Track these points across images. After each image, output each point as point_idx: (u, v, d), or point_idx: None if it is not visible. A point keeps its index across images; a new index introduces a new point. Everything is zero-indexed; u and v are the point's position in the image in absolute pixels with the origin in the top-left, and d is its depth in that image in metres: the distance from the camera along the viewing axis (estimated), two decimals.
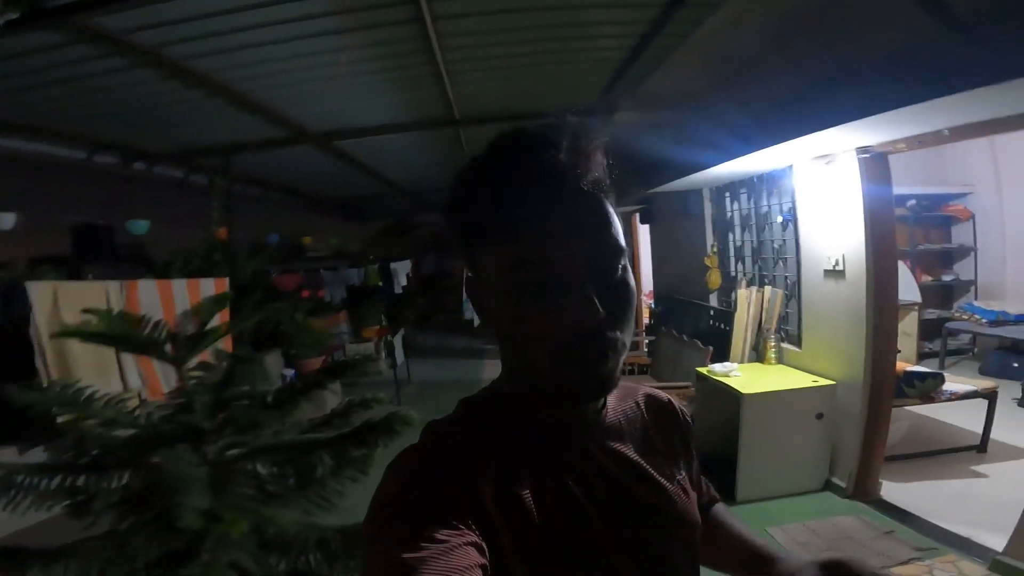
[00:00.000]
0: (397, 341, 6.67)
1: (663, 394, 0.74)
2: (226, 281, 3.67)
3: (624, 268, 0.53)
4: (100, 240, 5.48)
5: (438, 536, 0.45)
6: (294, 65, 3.19)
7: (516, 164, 0.51)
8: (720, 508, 0.83)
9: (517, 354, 0.55)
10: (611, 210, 0.53)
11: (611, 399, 0.64)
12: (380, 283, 6.44)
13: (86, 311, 1.42)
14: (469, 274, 0.58)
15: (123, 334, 1.30)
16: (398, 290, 6.62)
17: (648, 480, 0.61)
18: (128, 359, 3.02)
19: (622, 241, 0.53)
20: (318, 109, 4.06)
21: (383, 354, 6.81)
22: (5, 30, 2.24)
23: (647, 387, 0.74)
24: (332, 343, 6.31)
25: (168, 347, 1.39)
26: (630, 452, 0.61)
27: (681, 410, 0.75)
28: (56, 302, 2.77)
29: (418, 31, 2.88)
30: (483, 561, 0.46)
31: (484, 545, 0.47)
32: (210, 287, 3.53)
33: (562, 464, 0.56)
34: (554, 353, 0.50)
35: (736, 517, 0.82)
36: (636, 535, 0.57)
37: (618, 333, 0.52)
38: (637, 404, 0.68)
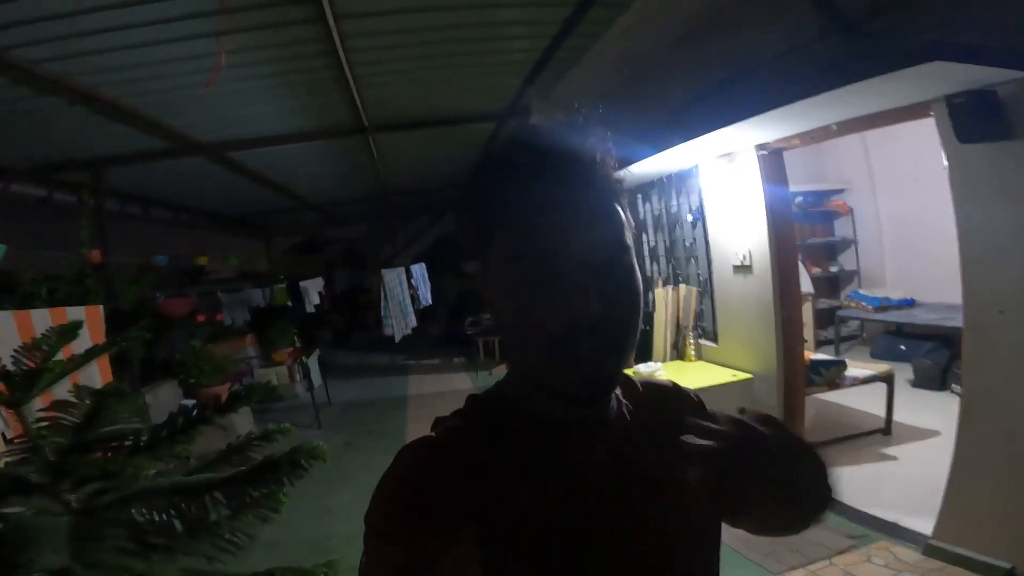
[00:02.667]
0: (312, 362, 6.26)
1: (665, 380, 0.72)
2: (99, 309, 3.22)
3: (630, 266, 0.52)
4: None
5: (439, 532, 0.46)
6: (173, 70, 2.87)
7: (524, 160, 0.52)
8: None
9: (518, 350, 0.55)
10: (617, 207, 0.53)
11: (623, 395, 0.64)
12: (289, 303, 6.01)
13: None
14: (480, 268, 0.57)
15: None
16: (310, 309, 6.21)
17: (656, 482, 0.58)
18: None
19: (627, 238, 0.53)
20: (208, 118, 3.70)
21: (298, 377, 6.36)
22: None
23: (665, 381, 0.72)
24: (237, 369, 5.80)
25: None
26: (639, 452, 0.59)
27: (689, 392, 0.72)
28: None
29: (320, 32, 2.68)
30: (483, 558, 0.47)
31: (485, 542, 0.48)
32: (79, 316, 3.07)
33: (566, 463, 0.56)
34: (551, 347, 0.50)
35: None
36: (641, 538, 0.56)
37: (617, 328, 0.51)
38: (651, 399, 0.66)
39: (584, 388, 0.51)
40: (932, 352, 4.69)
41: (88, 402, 1.40)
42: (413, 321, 6.68)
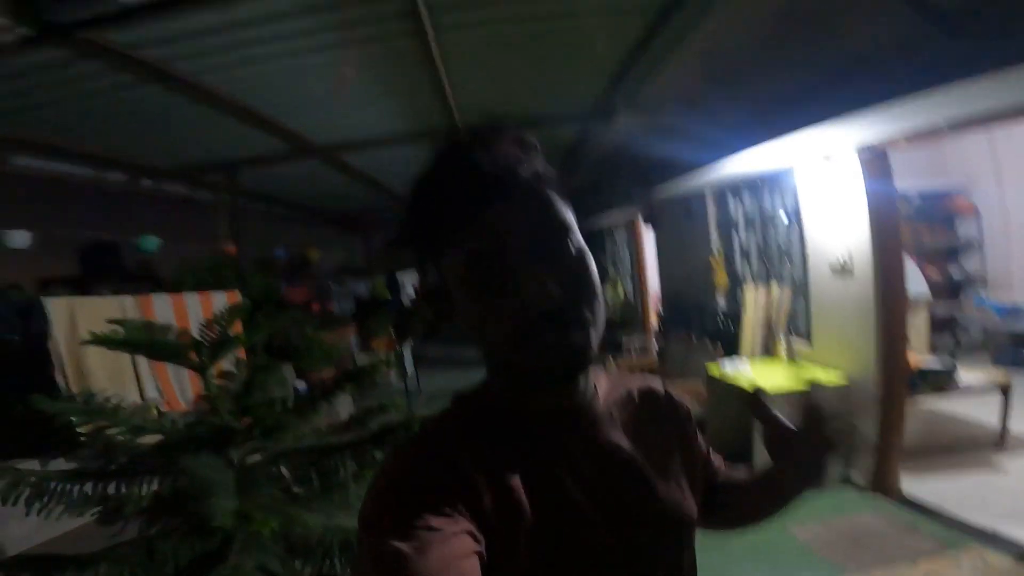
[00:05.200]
0: (406, 352, 6.68)
1: (660, 385, 0.73)
2: (237, 294, 3.71)
3: (577, 245, 0.54)
4: (109, 258, 5.53)
5: (433, 525, 0.46)
6: (299, 80, 3.24)
7: (448, 172, 0.54)
8: (732, 470, 0.79)
9: (488, 346, 0.56)
10: (550, 193, 0.54)
11: (603, 389, 0.64)
12: (388, 295, 6.46)
13: (112, 322, 1.45)
14: (436, 280, 0.58)
15: (150, 341, 1.33)
16: (406, 302, 6.64)
17: (637, 473, 0.60)
18: (145, 371, 3.06)
19: (566, 219, 0.54)
20: (322, 123, 4.11)
21: (392, 366, 6.81)
22: (16, 47, 2.29)
23: (645, 378, 0.73)
24: (342, 355, 6.32)
25: (191, 354, 1.42)
26: (621, 443, 0.61)
27: (680, 401, 0.73)
28: (73, 318, 2.81)
29: (420, 43, 2.93)
30: (478, 549, 0.47)
31: (478, 534, 0.48)
32: (222, 301, 3.57)
33: (552, 456, 0.56)
34: (519, 338, 0.51)
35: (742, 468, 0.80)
36: (625, 528, 0.57)
37: (580, 309, 0.52)
38: (631, 395, 0.67)
39: (557, 369, 0.53)
40: None
41: (245, 373, 1.70)
42: None
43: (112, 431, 1.46)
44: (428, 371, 7.62)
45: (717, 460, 0.79)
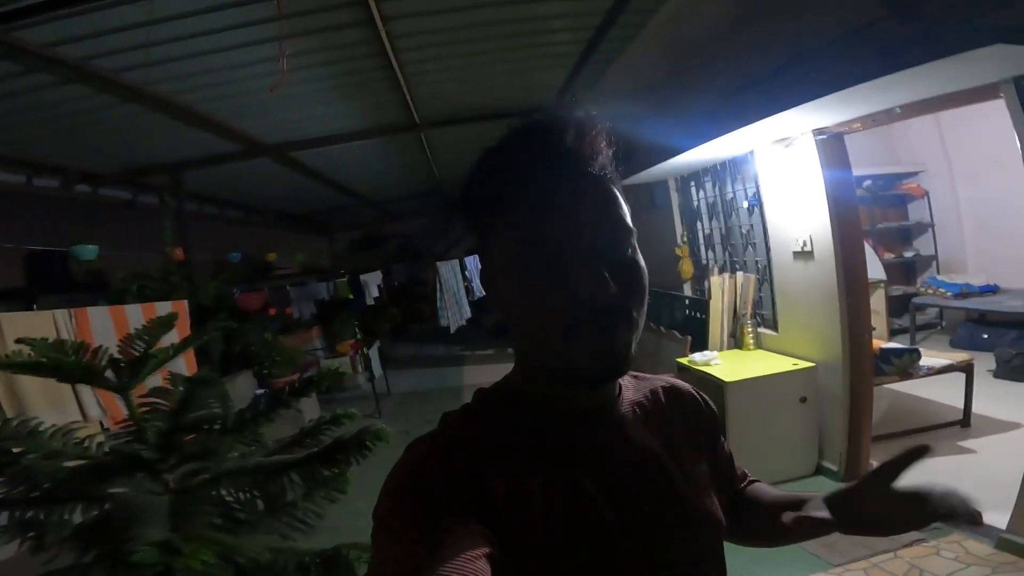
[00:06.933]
0: (373, 354, 6.52)
1: (685, 384, 0.72)
2: (185, 304, 3.51)
3: (634, 248, 0.54)
4: (55, 268, 5.19)
5: (448, 525, 0.46)
6: (239, 75, 3.06)
7: (527, 150, 0.53)
8: (759, 485, 0.78)
9: (531, 338, 0.55)
10: (618, 192, 0.55)
11: (627, 390, 0.64)
12: (351, 296, 6.28)
13: (19, 341, 1.30)
14: (484, 263, 0.58)
15: (55, 363, 1.18)
16: (370, 302, 6.47)
17: (662, 474, 0.60)
18: (85, 388, 2.85)
19: (630, 221, 0.54)
20: (270, 120, 3.92)
21: (360, 368, 6.65)
22: None
23: (668, 378, 0.72)
24: (306, 360, 6.12)
25: (112, 374, 1.28)
26: (645, 444, 0.60)
27: (704, 400, 0.72)
28: (2, 334, 2.59)
29: (369, 34, 2.79)
30: (491, 551, 0.45)
31: (492, 535, 0.47)
32: (167, 310, 3.36)
33: (574, 456, 0.56)
34: (567, 330, 0.50)
35: (774, 488, 0.77)
36: (647, 530, 0.56)
37: (630, 308, 0.52)
38: (656, 395, 0.67)
39: (599, 369, 0.52)
40: (1017, 341, 4.37)
41: (180, 389, 1.56)
42: (468, 312, 6.82)
43: (31, 456, 1.32)
44: (397, 371, 7.48)
45: (740, 468, 0.78)
